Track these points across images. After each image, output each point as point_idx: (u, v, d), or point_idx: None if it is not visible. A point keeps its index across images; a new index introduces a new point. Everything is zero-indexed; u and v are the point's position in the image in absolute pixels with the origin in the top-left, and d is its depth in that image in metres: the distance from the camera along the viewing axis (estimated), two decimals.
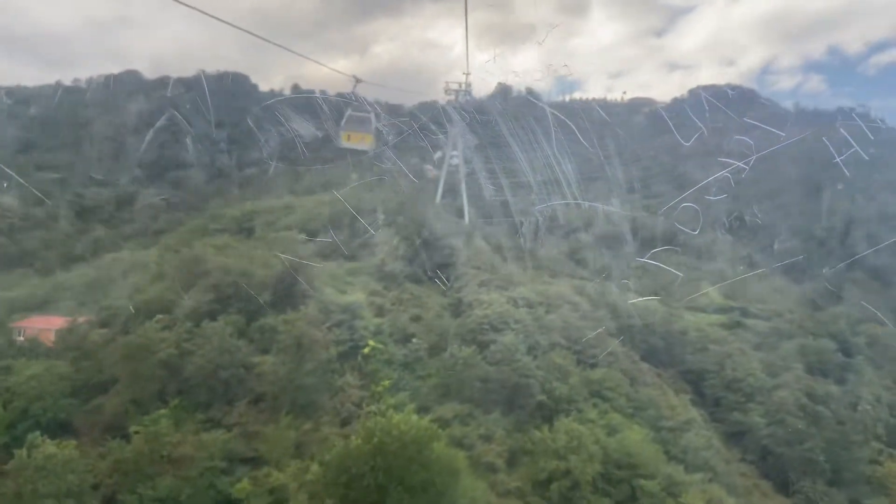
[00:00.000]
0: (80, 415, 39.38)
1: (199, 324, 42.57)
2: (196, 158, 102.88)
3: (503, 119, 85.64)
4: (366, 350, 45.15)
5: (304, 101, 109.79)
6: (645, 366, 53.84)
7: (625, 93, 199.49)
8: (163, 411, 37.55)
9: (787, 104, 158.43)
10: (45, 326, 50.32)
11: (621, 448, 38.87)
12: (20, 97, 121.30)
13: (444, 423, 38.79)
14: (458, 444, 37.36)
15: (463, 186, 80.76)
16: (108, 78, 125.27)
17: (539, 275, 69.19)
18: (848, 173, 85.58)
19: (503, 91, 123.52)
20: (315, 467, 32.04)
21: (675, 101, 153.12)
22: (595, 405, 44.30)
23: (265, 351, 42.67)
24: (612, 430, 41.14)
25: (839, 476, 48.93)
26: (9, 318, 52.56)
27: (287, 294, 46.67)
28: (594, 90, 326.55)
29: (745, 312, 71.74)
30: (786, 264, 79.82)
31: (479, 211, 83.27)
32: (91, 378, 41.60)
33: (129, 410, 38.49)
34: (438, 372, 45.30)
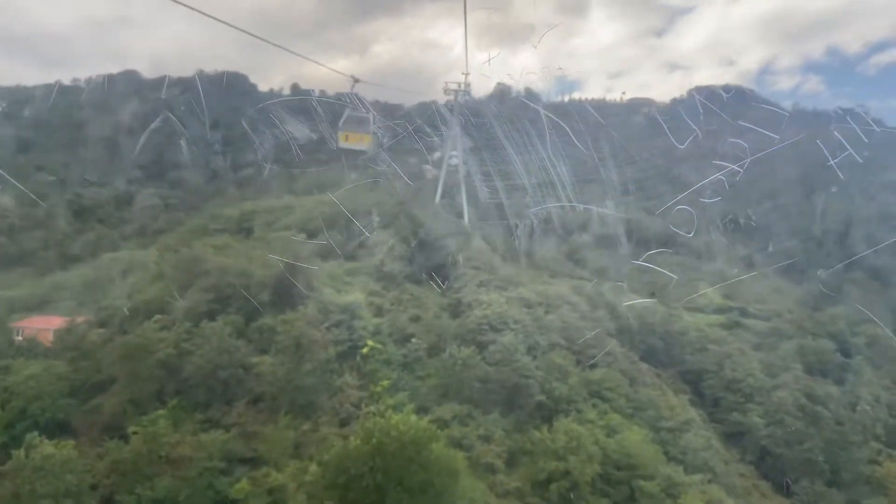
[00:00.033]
0: (79, 415, 39.29)
1: (198, 324, 42.47)
2: (190, 160, 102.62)
3: (499, 122, 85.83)
4: (365, 350, 45.04)
5: (299, 103, 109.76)
6: (644, 366, 53.82)
7: (624, 93, 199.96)
8: (161, 411, 37.46)
9: (786, 104, 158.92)
10: (44, 326, 50.20)
11: (620, 449, 38.87)
12: (19, 97, 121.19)
13: (443, 423, 38.80)
14: (458, 444, 37.31)
15: (462, 186, 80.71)
16: (106, 78, 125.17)
17: (538, 275, 69.21)
18: (842, 176, 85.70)
19: (499, 94, 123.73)
20: (314, 468, 31.98)
21: (674, 101, 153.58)
22: (594, 405, 44.26)
23: (264, 351, 42.59)
24: (611, 431, 41.13)
25: (838, 476, 48.99)
26: (7, 318, 52.40)
27: (286, 294, 46.55)
28: (594, 90, 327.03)
29: (743, 312, 71.92)
30: (780, 266, 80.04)
31: (479, 211, 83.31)
32: (89, 378, 41.49)
33: (128, 410, 38.39)
34: (437, 372, 45.18)
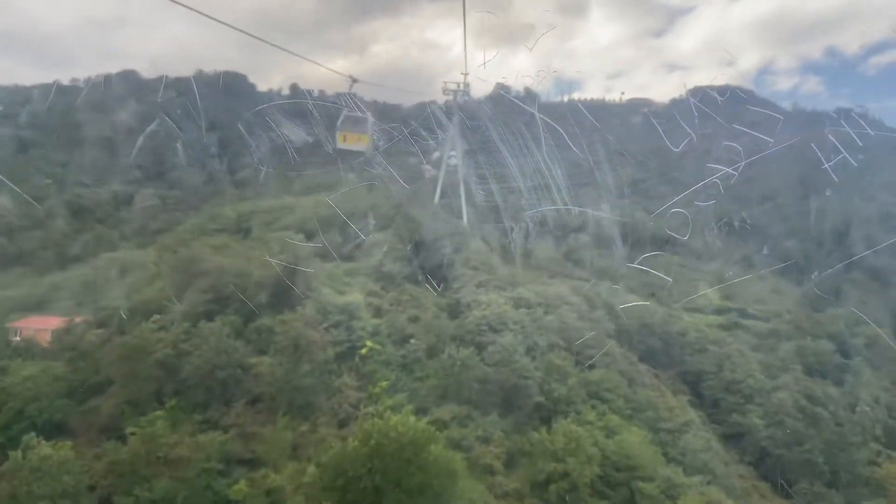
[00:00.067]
0: (76, 416, 39.10)
1: (197, 324, 42.31)
2: (188, 161, 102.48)
3: (497, 123, 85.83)
4: (363, 351, 44.97)
5: (295, 107, 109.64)
6: (643, 367, 53.81)
7: (623, 93, 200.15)
8: (159, 412, 37.31)
9: (784, 105, 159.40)
10: (42, 327, 50.06)
11: (620, 450, 38.77)
12: (18, 96, 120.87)
13: (441, 424, 38.71)
14: (456, 445, 37.25)
15: (461, 187, 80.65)
16: (105, 78, 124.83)
17: (537, 275, 69.19)
18: (837, 179, 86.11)
19: (495, 98, 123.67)
20: (312, 469, 31.91)
21: (673, 101, 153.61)
22: (593, 407, 44.18)
23: (262, 352, 42.46)
24: (610, 432, 41.05)
25: (838, 477, 48.97)
26: (5, 319, 52.18)
27: (284, 294, 46.47)
28: (593, 91, 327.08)
29: (743, 313, 72.08)
30: (777, 267, 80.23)
31: (478, 212, 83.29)
32: (87, 379, 41.31)
33: (126, 411, 38.21)
34: (436, 373, 45.04)
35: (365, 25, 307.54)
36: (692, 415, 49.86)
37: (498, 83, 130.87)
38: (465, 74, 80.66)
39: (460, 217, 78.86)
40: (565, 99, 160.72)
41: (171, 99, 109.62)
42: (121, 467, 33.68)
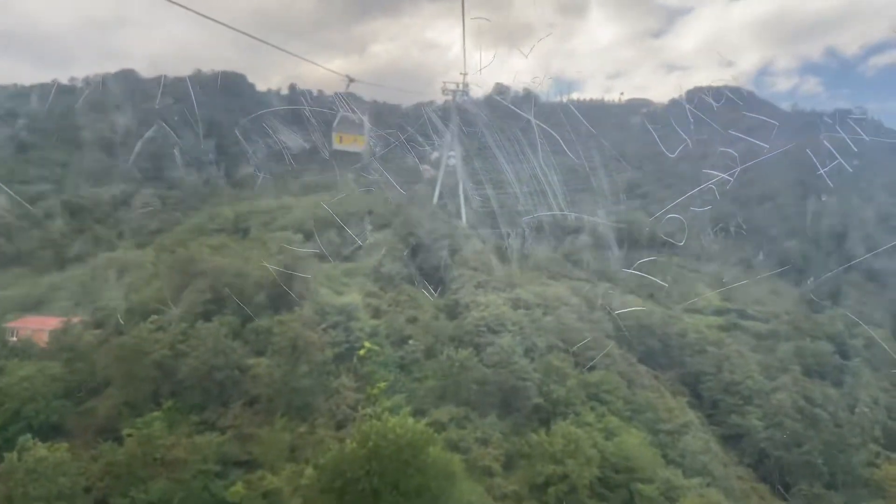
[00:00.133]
0: (73, 417, 38.96)
1: (194, 325, 42.14)
2: (187, 162, 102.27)
3: (495, 124, 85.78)
4: (361, 352, 44.79)
5: (293, 112, 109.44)
6: (642, 368, 53.69)
7: (622, 94, 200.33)
8: (156, 413, 37.23)
9: (783, 106, 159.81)
10: (39, 327, 49.87)
11: (619, 452, 38.64)
12: (16, 96, 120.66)
13: (440, 425, 38.59)
14: (455, 447, 37.11)
15: (461, 187, 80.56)
16: (103, 77, 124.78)
17: (536, 276, 69.07)
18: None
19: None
20: (309, 471, 31.71)
21: (672, 101, 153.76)
22: (592, 408, 44.07)
23: (260, 352, 42.28)
24: (609, 434, 40.95)
25: (837, 479, 48.91)
26: (2, 319, 52.06)
27: (282, 295, 46.28)
28: (592, 91, 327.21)
29: (742, 314, 72.07)
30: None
31: (476, 212, 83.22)
32: (84, 379, 41.19)
33: (123, 412, 38.08)
34: (435, 374, 44.95)
35: (364, 25, 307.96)
36: (691, 416, 49.75)
37: (497, 83, 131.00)
38: (465, 74, 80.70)
39: (459, 218, 78.78)
40: (564, 99, 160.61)
41: (170, 97, 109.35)
42: (117, 469, 33.51)
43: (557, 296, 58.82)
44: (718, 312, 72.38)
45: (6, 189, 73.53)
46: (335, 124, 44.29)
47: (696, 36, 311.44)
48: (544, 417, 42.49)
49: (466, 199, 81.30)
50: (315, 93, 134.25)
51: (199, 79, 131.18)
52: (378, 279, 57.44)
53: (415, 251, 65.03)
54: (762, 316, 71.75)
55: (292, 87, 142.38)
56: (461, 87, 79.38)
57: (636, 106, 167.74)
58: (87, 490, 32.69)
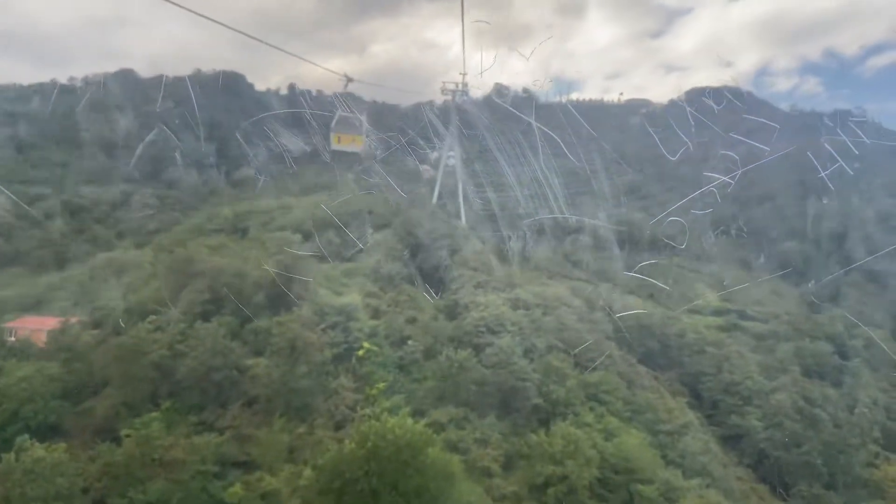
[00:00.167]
0: (71, 417, 38.78)
1: (193, 325, 42.02)
2: (186, 163, 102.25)
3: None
4: (360, 352, 44.61)
5: (293, 116, 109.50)
6: (642, 369, 53.65)
7: (621, 94, 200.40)
8: (154, 414, 37.05)
9: (782, 106, 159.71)
10: (37, 327, 49.73)
11: (618, 452, 38.53)
12: (14, 96, 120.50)
13: (439, 426, 38.48)
14: (454, 447, 36.98)
15: (460, 187, 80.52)
16: (102, 77, 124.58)
17: (535, 276, 69.03)
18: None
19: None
20: (308, 472, 31.51)
21: (671, 102, 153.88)
22: (592, 409, 43.97)
23: (259, 353, 42.11)
24: (609, 434, 40.86)
25: (836, 479, 48.86)
26: (1, 319, 51.91)
27: (281, 295, 46.15)
28: (592, 91, 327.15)
29: (741, 315, 72.02)
30: (775, 270, 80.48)
31: (476, 212, 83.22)
32: (82, 380, 41.06)
33: (121, 413, 37.94)
34: (434, 374, 44.80)
35: (363, 25, 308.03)
36: (691, 417, 49.68)
37: (496, 83, 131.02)
38: (464, 74, 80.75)
39: (458, 218, 78.74)
40: (563, 100, 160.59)
41: (168, 99, 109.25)
42: (115, 469, 33.37)
43: (557, 296, 58.76)
44: (718, 313, 72.37)
45: (4, 190, 73.34)
46: (333, 124, 44.23)
47: (695, 36, 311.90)
48: (544, 418, 42.35)
49: (466, 199, 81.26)
50: (314, 93, 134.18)
51: (198, 79, 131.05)
52: (377, 279, 57.35)
53: (414, 251, 65.00)
54: (762, 316, 71.72)
55: (291, 87, 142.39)
56: (460, 87, 79.42)
57: (635, 106, 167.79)
58: (85, 491, 32.53)
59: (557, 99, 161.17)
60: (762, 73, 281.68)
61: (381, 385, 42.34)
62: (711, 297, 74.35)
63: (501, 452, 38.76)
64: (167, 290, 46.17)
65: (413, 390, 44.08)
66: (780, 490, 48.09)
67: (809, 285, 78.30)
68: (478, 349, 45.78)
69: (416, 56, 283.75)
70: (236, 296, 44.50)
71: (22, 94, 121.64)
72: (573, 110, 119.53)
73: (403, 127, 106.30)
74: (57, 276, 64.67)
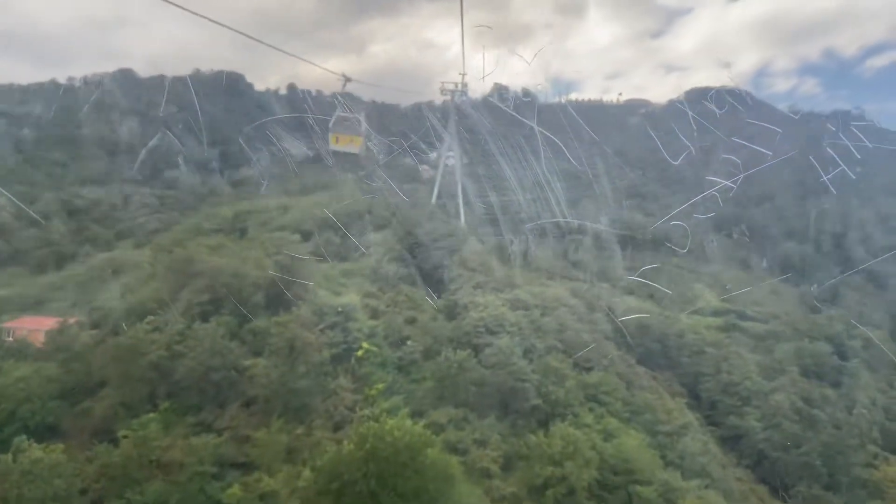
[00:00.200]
0: (69, 418, 38.66)
1: (191, 325, 41.92)
2: (185, 163, 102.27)
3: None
4: (359, 353, 44.51)
5: (292, 112, 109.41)
6: (641, 369, 53.62)
7: (620, 94, 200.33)
8: (152, 415, 36.97)
9: (781, 107, 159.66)
10: (35, 327, 49.66)
11: (618, 453, 38.45)
12: (13, 95, 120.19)
13: (438, 427, 38.36)
14: (453, 448, 36.90)
15: (459, 187, 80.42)
16: (102, 77, 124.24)
17: (535, 277, 68.93)
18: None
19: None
20: (307, 473, 31.43)
21: (671, 103, 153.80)
22: (591, 409, 43.89)
23: (257, 353, 41.96)
24: (608, 435, 40.76)
25: (835, 480, 48.81)
26: None
27: (280, 295, 46.07)
28: (591, 91, 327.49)
29: (740, 315, 72.05)
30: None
31: (475, 212, 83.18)
32: (80, 380, 40.89)
33: (119, 414, 37.83)
34: (433, 375, 44.64)
35: (363, 25, 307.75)
36: (690, 417, 49.65)
37: (496, 83, 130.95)
38: (463, 75, 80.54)
39: (458, 218, 78.63)
40: (563, 100, 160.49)
41: (168, 100, 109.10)
42: (113, 470, 33.24)
43: (557, 297, 58.62)
44: (717, 313, 72.38)
45: (2, 190, 73.19)
46: (331, 125, 44.04)
47: (694, 36, 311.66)
48: (543, 419, 42.21)
49: (465, 199, 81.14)
50: (314, 93, 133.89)
51: (197, 78, 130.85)
52: (376, 280, 57.24)
53: (413, 251, 64.90)
54: (761, 317, 71.73)
55: (291, 87, 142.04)
56: (460, 87, 79.27)
57: (634, 106, 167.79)
58: (83, 492, 32.39)
59: (556, 99, 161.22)
60: (761, 73, 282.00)
61: (380, 386, 42.26)
62: (711, 297, 74.40)
63: (500, 453, 38.61)
64: (166, 290, 46.11)
65: (412, 391, 43.96)
66: (780, 491, 48.04)
67: (812, 289, 78.27)
68: (477, 350, 45.67)
69: (415, 56, 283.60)
70: (235, 296, 44.39)
71: (21, 93, 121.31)
72: (572, 111, 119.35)
73: (405, 131, 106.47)
74: (55, 277, 64.49)
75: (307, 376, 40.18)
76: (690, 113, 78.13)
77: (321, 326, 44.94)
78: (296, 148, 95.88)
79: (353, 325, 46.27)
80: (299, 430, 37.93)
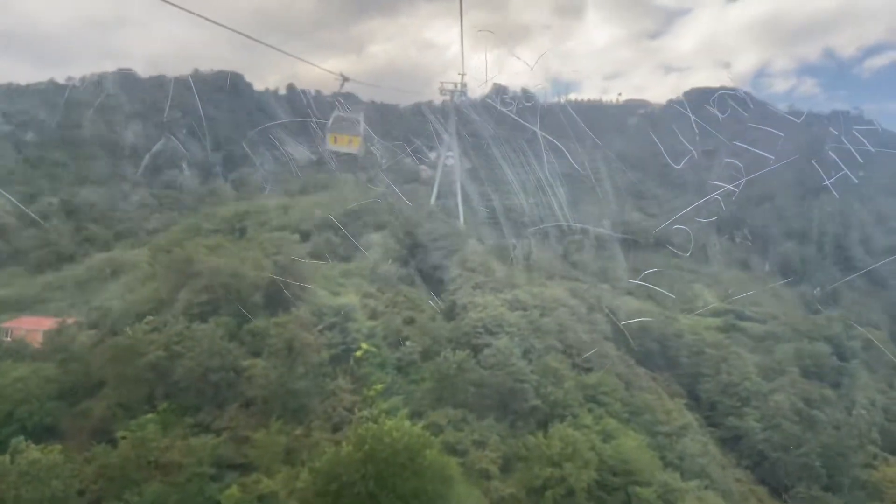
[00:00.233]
0: (67, 419, 38.47)
1: (190, 326, 41.76)
2: (181, 165, 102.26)
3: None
4: (358, 353, 44.40)
5: (292, 112, 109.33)
6: (640, 370, 53.60)
7: (620, 94, 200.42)
8: (151, 415, 36.73)
9: (781, 108, 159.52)
10: (34, 327, 49.50)
11: (617, 454, 38.41)
12: (12, 95, 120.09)
13: (437, 428, 38.27)
14: (452, 449, 36.82)
15: (458, 187, 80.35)
16: (101, 77, 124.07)
17: (534, 277, 68.83)
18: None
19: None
20: (305, 474, 31.29)
21: (670, 102, 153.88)
22: (590, 410, 43.85)
23: (256, 354, 41.77)
24: (607, 436, 40.70)
25: (834, 481, 48.90)
26: None
27: (279, 296, 45.98)
28: (590, 91, 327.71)
29: (740, 315, 71.96)
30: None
31: (475, 212, 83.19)
32: (78, 381, 40.71)
33: (117, 414, 37.65)
34: (432, 376, 44.55)
35: (362, 25, 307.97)
36: (689, 418, 49.64)
37: (495, 84, 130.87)
38: (462, 75, 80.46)
39: (457, 218, 78.55)
40: (562, 100, 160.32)
41: (166, 100, 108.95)
42: (111, 471, 33.06)
43: (556, 297, 58.58)
44: (716, 314, 72.31)
45: (1, 190, 73.08)
46: (329, 124, 43.92)
47: (693, 37, 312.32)
48: (542, 420, 42.18)
49: (464, 199, 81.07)
50: (313, 92, 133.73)
51: (196, 78, 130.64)
52: (375, 280, 57.12)
53: (412, 252, 64.84)
54: (760, 317, 71.69)
55: (290, 87, 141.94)
56: (459, 87, 79.18)
57: (634, 107, 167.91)
58: (81, 493, 32.21)
59: (556, 99, 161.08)
60: (760, 73, 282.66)
61: (379, 386, 42.16)
62: (710, 297, 74.39)
63: (499, 454, 38.55)
64: (164, 290, 46.01)
65: (411, 391, 43.88)
66: (780, 492, 48.01)
67: (816, 292, 78.31)
68: (476, 350, 45.64)
69: (414, 56, 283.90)
70: (234, 296, 44.29)
71: (21, 93, 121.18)
72: (571, 111, 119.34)
73: (405, 131, 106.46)
74: (54, 277, 64.30)
75: (306, 377, 40.07)
76: (692, 117, 78.18)
77: (320, 327, 44.85)
78: (296, 149, 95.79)
79: (351, 326, 46.16)
80: (298, 431, 37.83)
